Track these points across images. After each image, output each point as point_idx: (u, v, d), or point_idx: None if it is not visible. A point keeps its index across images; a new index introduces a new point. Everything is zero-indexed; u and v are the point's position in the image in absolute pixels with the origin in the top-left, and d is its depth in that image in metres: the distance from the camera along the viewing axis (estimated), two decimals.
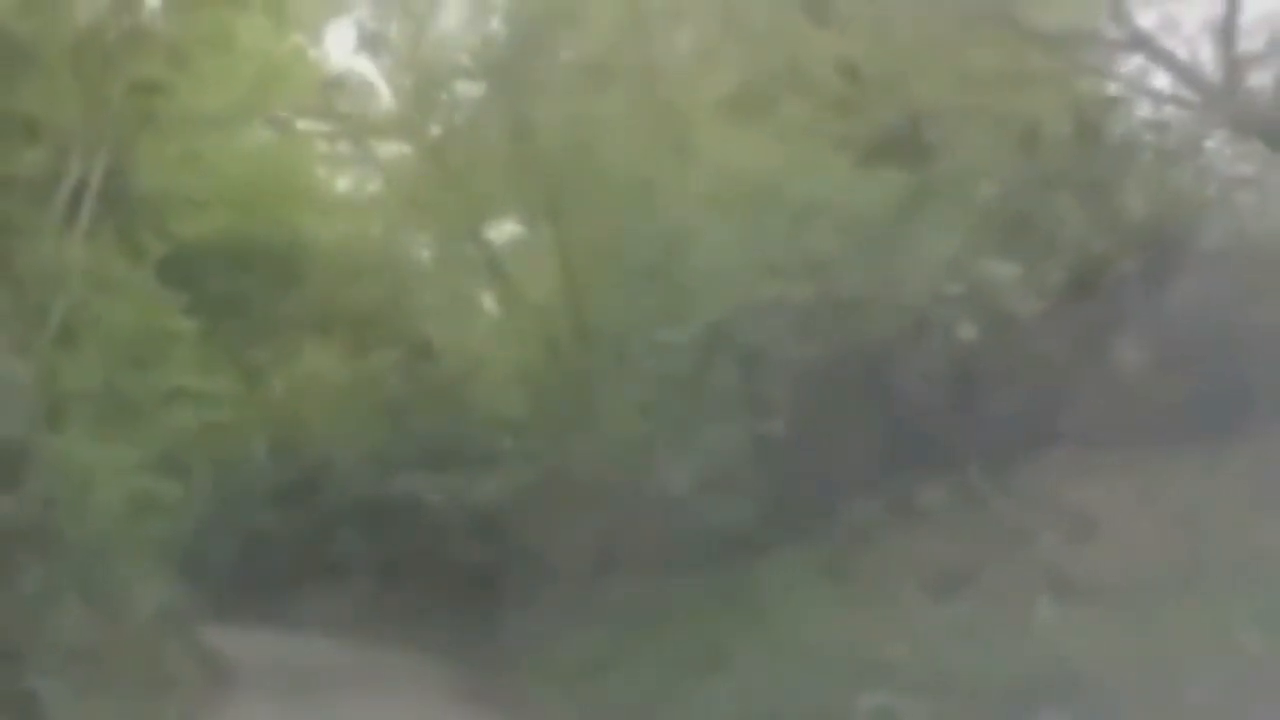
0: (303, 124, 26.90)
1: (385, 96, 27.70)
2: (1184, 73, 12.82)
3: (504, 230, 26.68)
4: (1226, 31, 12.88)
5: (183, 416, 16.66)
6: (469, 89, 24.43)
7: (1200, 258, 12.96)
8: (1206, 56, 15.65)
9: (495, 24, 23.29)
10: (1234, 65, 12.66)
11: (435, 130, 26.29)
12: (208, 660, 21.47)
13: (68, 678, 12.47)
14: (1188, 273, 12.93)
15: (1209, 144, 14.25)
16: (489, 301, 26.89)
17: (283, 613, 27.87)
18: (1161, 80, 14.78)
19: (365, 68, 27.35)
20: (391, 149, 28.63)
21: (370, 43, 26.42)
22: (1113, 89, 14.38)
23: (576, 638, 18.56)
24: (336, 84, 26.46)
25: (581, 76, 18.66)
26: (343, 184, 29.59)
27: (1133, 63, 14.15)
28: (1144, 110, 15.22)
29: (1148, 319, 12.95)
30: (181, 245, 17.68)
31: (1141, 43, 12.94)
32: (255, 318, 22.00)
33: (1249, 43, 15.72)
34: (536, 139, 20.14)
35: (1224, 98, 12.36)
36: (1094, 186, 13.55)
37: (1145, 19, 15.83)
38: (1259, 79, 13.14)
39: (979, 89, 13.41)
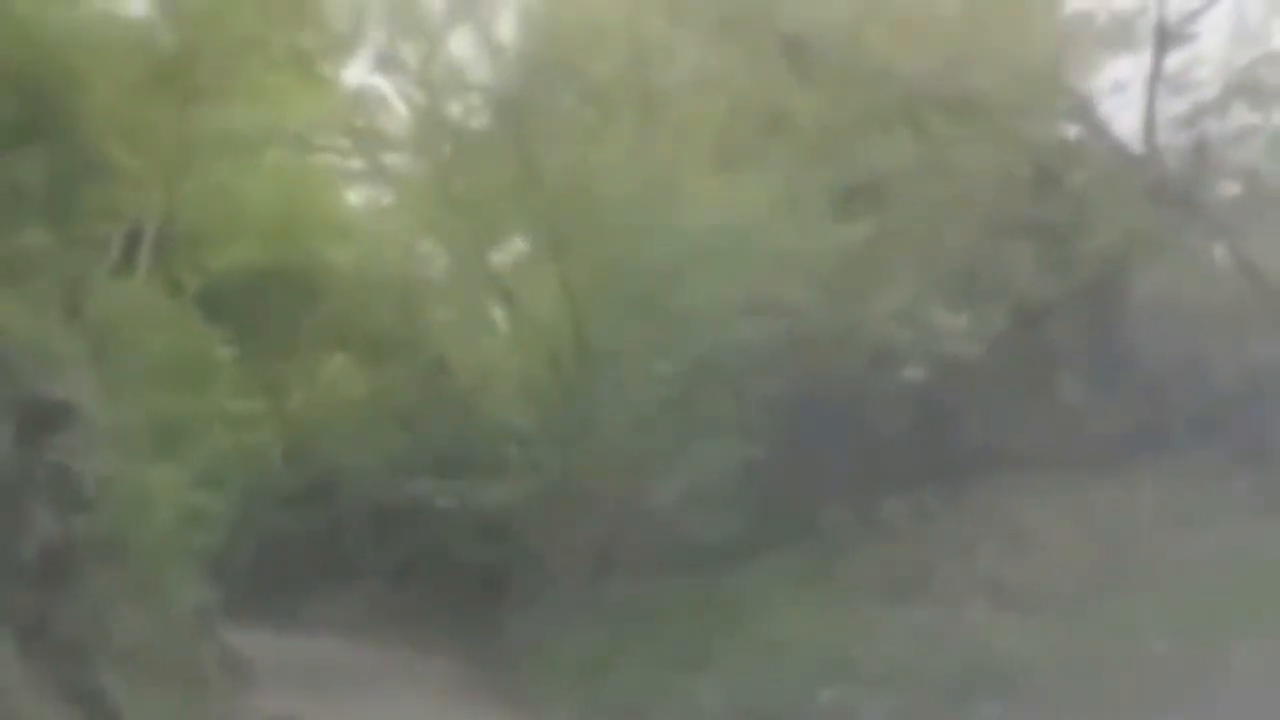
0: (319, 139, 28.55)
1: (400, 113, 29.56)
2: (1110, 143, 14.66)
3: (514, 248, 28.29)
4: (1149, 97, 14.75)
5: (221, 437, 18.58)
6: (478, 118, 26.01)
7: (1135, 303, 14.89)
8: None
9: (503, 57, 25.06)
10: (1152, 131, 14.53)
11: (446, 150, 27.96)
12: (229, 659, 23.14)
13: (125, 674, 14.40)
14: (1123, 316, 14.87)
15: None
16: (498, 319, 28.40)
17: (296, 613, 29.30)
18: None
19: (380, 82, 29.18)
20: (404, 166, 30.40)
21: (385, 63, 28.12)
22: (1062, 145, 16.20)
23: (576, 637, 20.18)
24: (353, 100, 27.95)
25: (583, 120, 20.45)
26: (355, 198, 31.27)
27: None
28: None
29: (1086, 358, 14.86)
30: (212, 274, 19.53)
31: (1079, 113, 14.78)
32: (277, 336, 23.69)
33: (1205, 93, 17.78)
34: (541, 175, 21.80)
35: (1142, 165, 14.21)
36: (1046, 232, 15.47)
37: (1101, 77, 17.98)
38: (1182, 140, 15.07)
39: (938, 147, 15.33)
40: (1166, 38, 15.19)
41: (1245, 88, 17.69)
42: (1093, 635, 12.60)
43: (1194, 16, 17.54)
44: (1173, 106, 17.70)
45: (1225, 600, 12.28)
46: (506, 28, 26.32)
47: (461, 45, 27.57)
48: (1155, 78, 14.86)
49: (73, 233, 12.58)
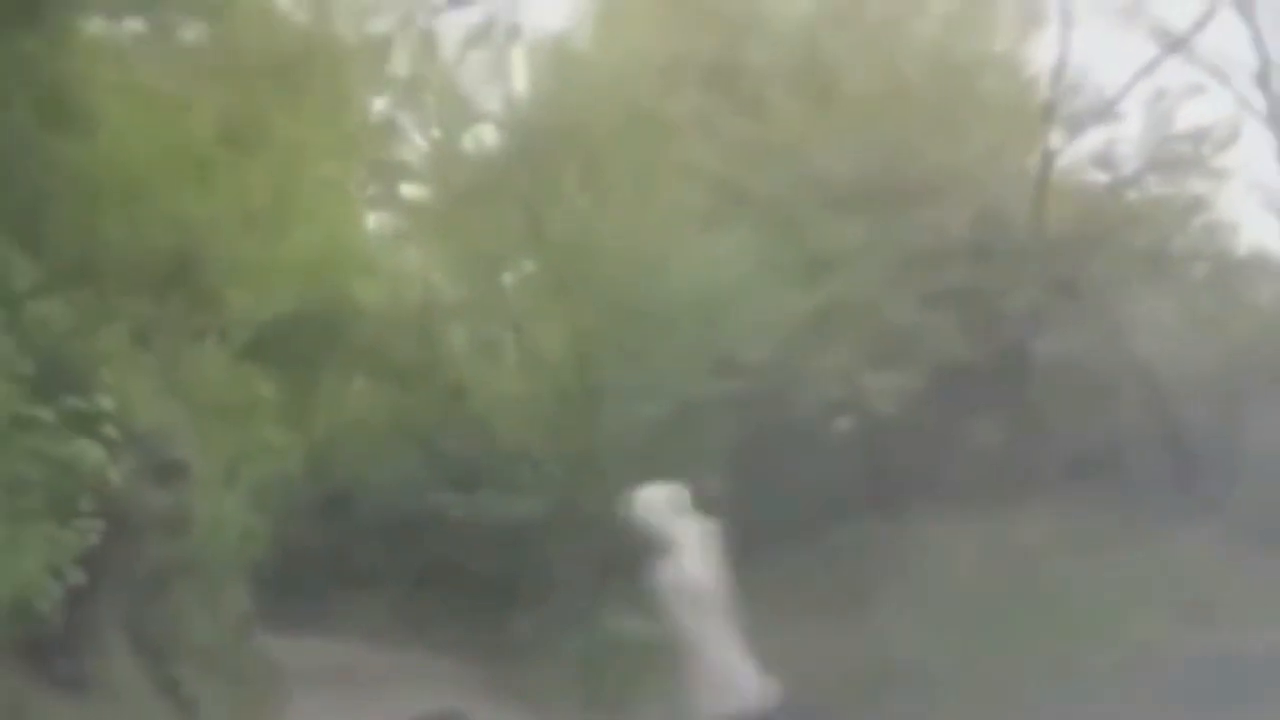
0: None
1: (416, 144, 33.06)
2: (1002, 229, 18.39)
3: (525, 271, 31.71)
4: (1040, 185, 18.48)
5: (263, 463, 22.32)
6: (490, 163, 29.63)
7: (1039, 363, 18.71)
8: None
9: (512, 111, 28.77)
10: (1041, 218, 18.25)
11: (460, 182, 31.53)
12: (264, 659, 26.73)
13: (196, 670, 18.28)
14: (1029, 374, 18.68)
15: None
16: (509, 349, 32.01)
17: (320, 618, 32.57)
18: None
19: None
20: (419, 194, 33.99)
21: (404, 97, 31.57)
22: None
23: (576, 640, 23.72)
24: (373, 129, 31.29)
25: (583, 181, 24.13)
26: (372, 223, 34.71)
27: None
28: None
29: (1002, 407, 18.68)
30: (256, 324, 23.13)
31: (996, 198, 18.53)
32: (307, 367, 27.24)
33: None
34: (543, 228, 25.64)
35: (1032, 251, 17.94)
36: (971, 300, 19.27)
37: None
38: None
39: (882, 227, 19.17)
40: (1049, 157, 18.98)
41: (1160, 163, 21.53)
42: (986, 639, 16.41)
43: (1113, 101, 21.48)
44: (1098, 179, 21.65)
45: (1092, 610, 16.13)
46: (519, 78, 30.42)
47: (476, 83, 31.59)
48: (1044, 175, 18.67)
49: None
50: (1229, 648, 14.93)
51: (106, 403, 10.08)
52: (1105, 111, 20.79)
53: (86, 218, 12.81)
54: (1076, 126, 20.48)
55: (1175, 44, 19.50)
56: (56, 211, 12.19)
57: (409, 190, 33.49)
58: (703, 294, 20.25)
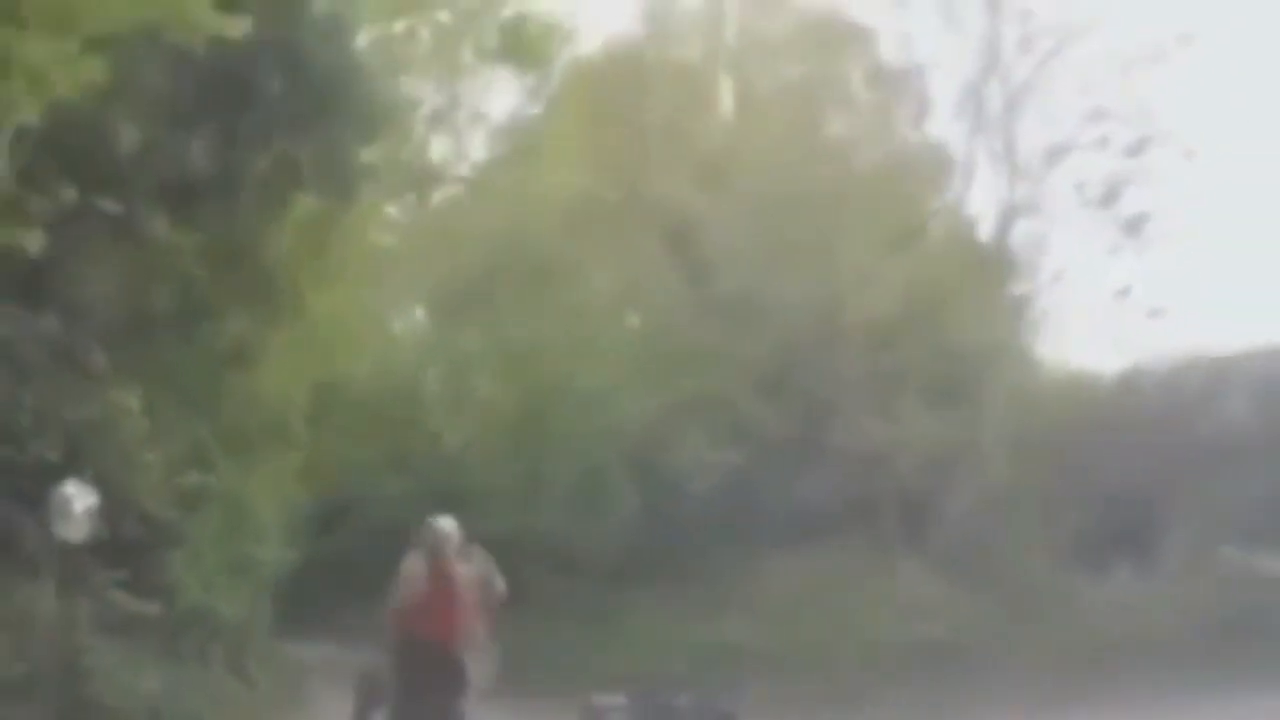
0: None
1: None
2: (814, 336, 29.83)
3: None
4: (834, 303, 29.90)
5: (291, 505, 33.19)
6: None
7: (836, 439, 30.07)
8: None
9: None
10: (838, 326, 29.70)
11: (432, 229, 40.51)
12: (293, 657, 34.98)
13: (254, 662, 29.34)
14: (830, 445, 30.05)
15: None
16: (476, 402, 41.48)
17: (325, 625, 39.81)
18: None
19: None
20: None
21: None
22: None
23: (540, 640, 32.73)
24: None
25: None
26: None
27: None
28: None
29: (804, 475, 30.07)
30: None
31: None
32: (318, 429, 37.58)
33: None
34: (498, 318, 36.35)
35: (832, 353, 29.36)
36: (790, 390, 30.54)
37: None
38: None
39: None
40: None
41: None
42: (790, 632, 27.63)
43: (914, 232, 32.59)
44: None
45: (852, 613, 27.61)
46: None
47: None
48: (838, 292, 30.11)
49: None
50: (929, 636, 26.50)
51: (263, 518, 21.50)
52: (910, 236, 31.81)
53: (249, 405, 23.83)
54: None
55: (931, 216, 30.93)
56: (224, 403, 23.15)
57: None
58: (598, 385, 31.37)
